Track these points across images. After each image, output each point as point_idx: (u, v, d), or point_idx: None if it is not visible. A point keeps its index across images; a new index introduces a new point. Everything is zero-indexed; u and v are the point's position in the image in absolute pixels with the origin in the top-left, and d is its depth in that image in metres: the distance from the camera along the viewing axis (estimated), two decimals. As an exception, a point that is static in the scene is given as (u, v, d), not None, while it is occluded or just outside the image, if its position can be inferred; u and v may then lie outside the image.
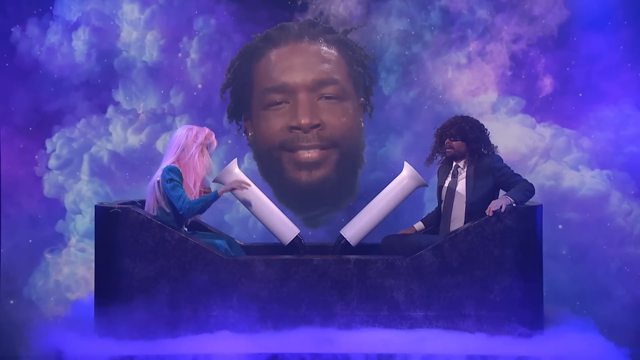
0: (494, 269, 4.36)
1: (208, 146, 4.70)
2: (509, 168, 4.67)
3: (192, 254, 4.39)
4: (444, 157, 4.84)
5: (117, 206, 4.44)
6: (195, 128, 4.70)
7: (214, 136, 4.74)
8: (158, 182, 4.55)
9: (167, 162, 4.59)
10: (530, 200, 4.66)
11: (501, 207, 4.37)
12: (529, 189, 4.54)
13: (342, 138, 6.27)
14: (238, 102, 6.37)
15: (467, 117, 4.79)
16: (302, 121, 6.18)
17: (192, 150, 4.59)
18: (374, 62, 6.31)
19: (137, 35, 6.42)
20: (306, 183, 6.29)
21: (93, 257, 6.17)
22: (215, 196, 4.56)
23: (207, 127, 6.23)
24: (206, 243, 4.50)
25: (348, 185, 6.35)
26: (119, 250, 4.39)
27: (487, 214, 4.39)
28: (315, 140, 6.22)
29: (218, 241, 4.62)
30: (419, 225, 4.94)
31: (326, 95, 6.24)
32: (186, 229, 4.75)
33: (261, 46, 6.31)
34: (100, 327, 4.37)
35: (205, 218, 5.24)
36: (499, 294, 4.36)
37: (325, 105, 6.24)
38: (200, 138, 4.64)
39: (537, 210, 4.45)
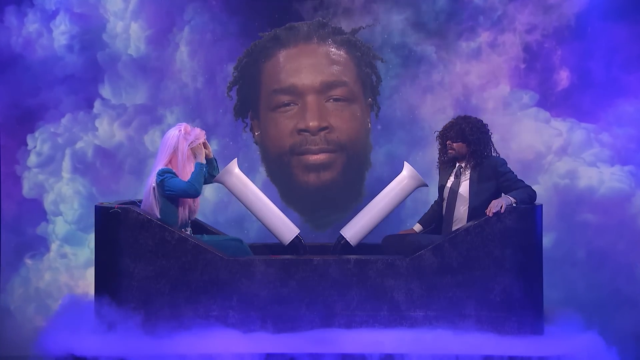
0: (494, 269, 5.11)
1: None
2: (513, 173, 5.40)
3: (192, 254, 5.14)
4: (444, 158, 5.58)
5: (117, 206, 5.17)
6: (184, 125, 5.39)
7: (203, 135, 5.43)
8: (154, 187, 5.30)
9: (159, 165, 5.32)
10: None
11: (501, 207, 5.13)
12: (531, 194, 5.29)
13: (349, 141, 7.12)
14: (244, 101, 7.19)
15: (468, 117, 5.51)
16: (311, 123, 7.06)
17: (184, 150, 5.32)
18: (383, 62, 7.08)
19: (123, 26, 7.13)
20: (314, 186, 7.14)
21: (75, 264, 7.09)
22: (200, 166, 5.27)
23: (200, 120, 7.12)
24: (207, 244, 5.22)
25: (355, 188, 7.18)
26: (119, 250, 5.15)
27: (487, 214, 5.15)
28: (322, 143, 7.07)
29: (232, 242, 5.40)
30: (417, 227, 5.70)
31: (334, 97, 7.10)
32: (190, 230, 5.48)
33: (269, 46, 7.13)
34: (100, 327, 5.12)
35: (201, 218, 5.96)
36: (499, 294, 5.12)
37: (333, 108, 7.10)
38: (191, 137, 5.36)
39: (537, 210, 5.20)
